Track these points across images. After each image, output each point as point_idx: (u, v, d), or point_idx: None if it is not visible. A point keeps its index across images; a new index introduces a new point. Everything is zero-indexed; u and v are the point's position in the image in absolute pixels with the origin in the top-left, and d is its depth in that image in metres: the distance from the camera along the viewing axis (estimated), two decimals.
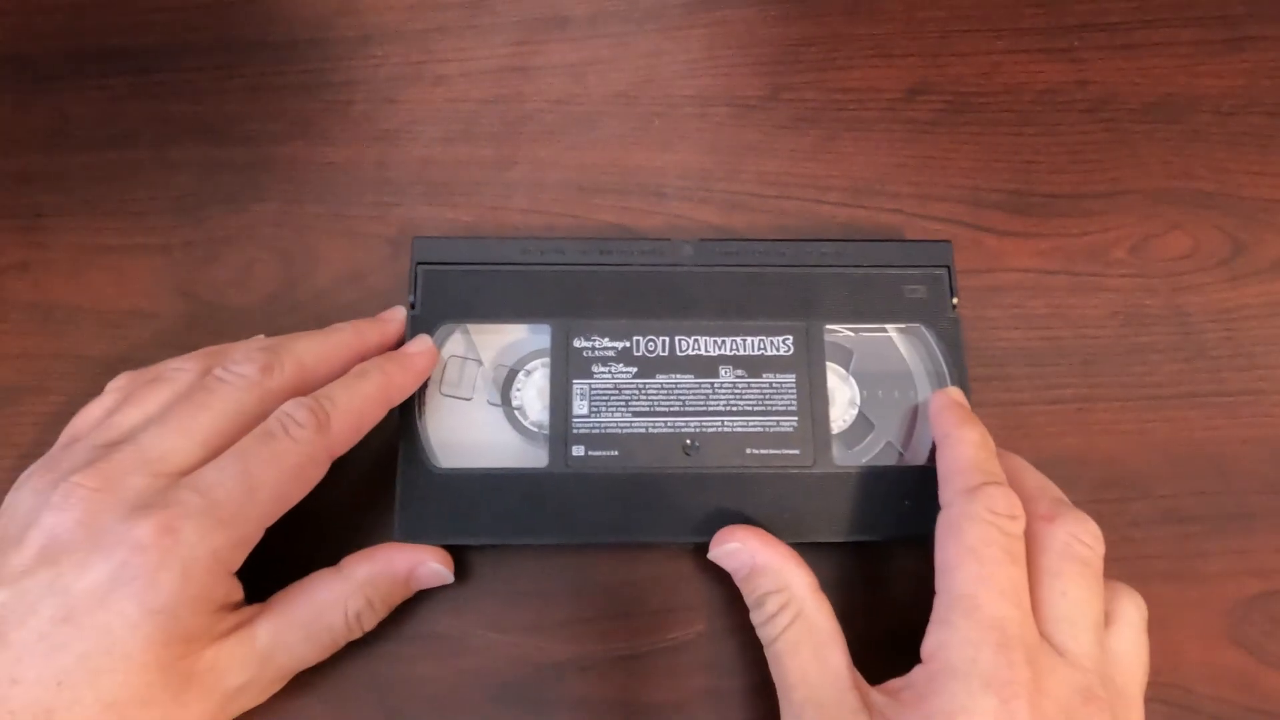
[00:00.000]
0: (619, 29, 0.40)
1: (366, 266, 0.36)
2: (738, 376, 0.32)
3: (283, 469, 0.27)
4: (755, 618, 0.28)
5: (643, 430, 0.31)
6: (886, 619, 0.32)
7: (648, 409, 0.31)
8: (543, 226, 0.37)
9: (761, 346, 0.32)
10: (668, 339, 0.32)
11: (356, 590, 0.28)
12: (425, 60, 0.40)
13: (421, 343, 0.31)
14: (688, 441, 0.31)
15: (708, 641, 0.31)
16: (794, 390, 0.32)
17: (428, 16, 0.40)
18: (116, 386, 0.30)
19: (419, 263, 0.33)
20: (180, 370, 0.29)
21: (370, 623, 0.29)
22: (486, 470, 0.31)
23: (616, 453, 0.31)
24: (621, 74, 0.40)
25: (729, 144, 0.39)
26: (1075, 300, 0.36)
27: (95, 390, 0.33)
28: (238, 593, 0.27)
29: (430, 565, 0.30)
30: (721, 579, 0.32)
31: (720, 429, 0.31)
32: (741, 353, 0.32)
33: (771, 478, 0.31)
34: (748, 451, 0.31)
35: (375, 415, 0.29)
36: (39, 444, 0.33)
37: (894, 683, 0.26)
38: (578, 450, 0.31)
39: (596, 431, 0.31)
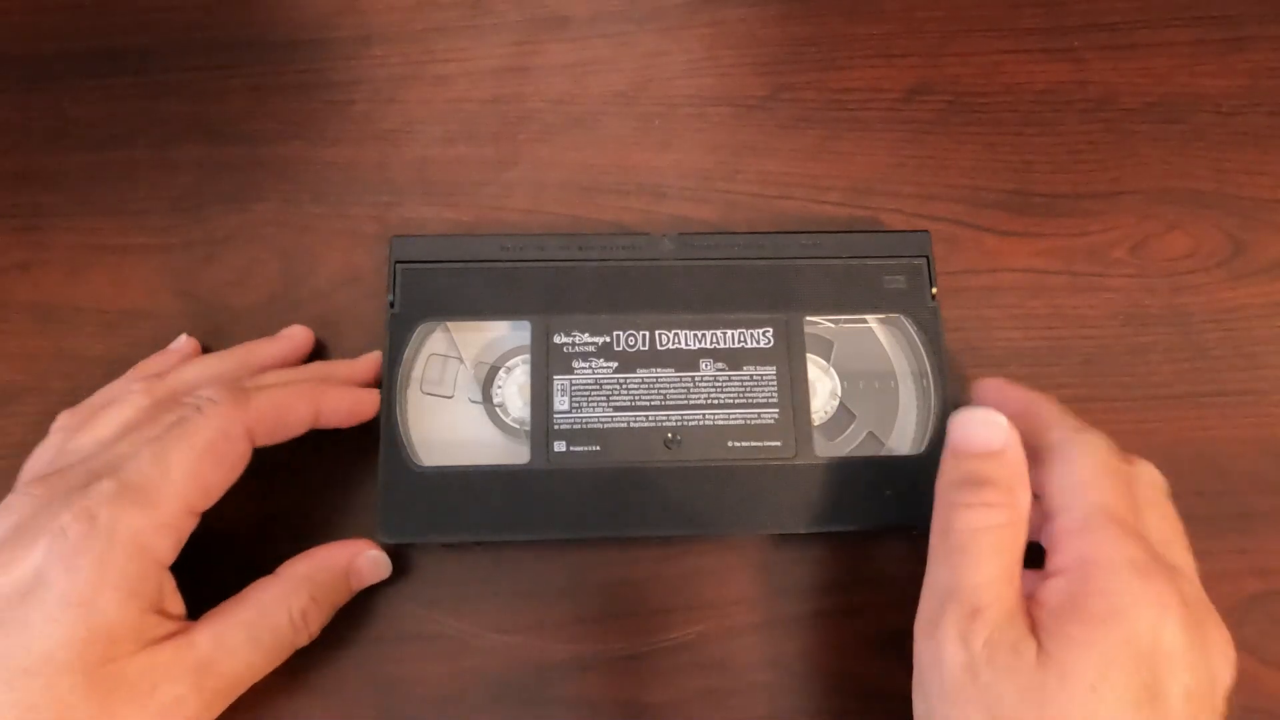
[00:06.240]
0: (619, 29, 0.40)
1: (366, 266, 0.36)
2: (718, 370, 0.32)
3: (195, 444, 0.26)
4: (958, 495, 0.26)
5: (624, 425, 0.31)
6: (886, 619, 0.32)
7: (629, 403, 0.31)
8: (543, 226, 0.37)
9: (742, 339, 0.32)
10: (648, 333, 0.32)
11: (297, 587, 0.28)
12: (425, 60, 0.40)
13: (370, 393, 0.31)
14: (669, 435, 0.31)
15: (708, 641, 0.31)
16: (775, 382, 0.32)
17: (428, 16, 0.40)
18: (60, 425, 0.30)
19: (398, 261, 0.33)
20: (132, 393, 0.29)
21: (316, 622, 0.29)
22: (468, 468, 0.31)
23: (598, 448, 0.31)
24: (621, 74, 0.40)
25: (729, 144, 0.39)
26: (1075, 300, 0.36)
27: (95, 390, 0.33)
28: (176, 603, 0.26)
29: (369, 554, 0.30)
30: (721, 579, 0.32)
31: (701, 422, 0.31)
32: (722, 346, 0.32)
33: (753, 470, 0.31)
34: (729, 444, 0.31)
35: (300, 414, 0.29)
36: (39, 444, 0.33)
37: (1037, 595, 0.25)
38: (559, 446, 0.31)
39: (578, 427, 0.31)
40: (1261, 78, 0.40)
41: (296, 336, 0.33)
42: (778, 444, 0.31)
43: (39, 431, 0.33)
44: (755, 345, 0.32)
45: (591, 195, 0.37)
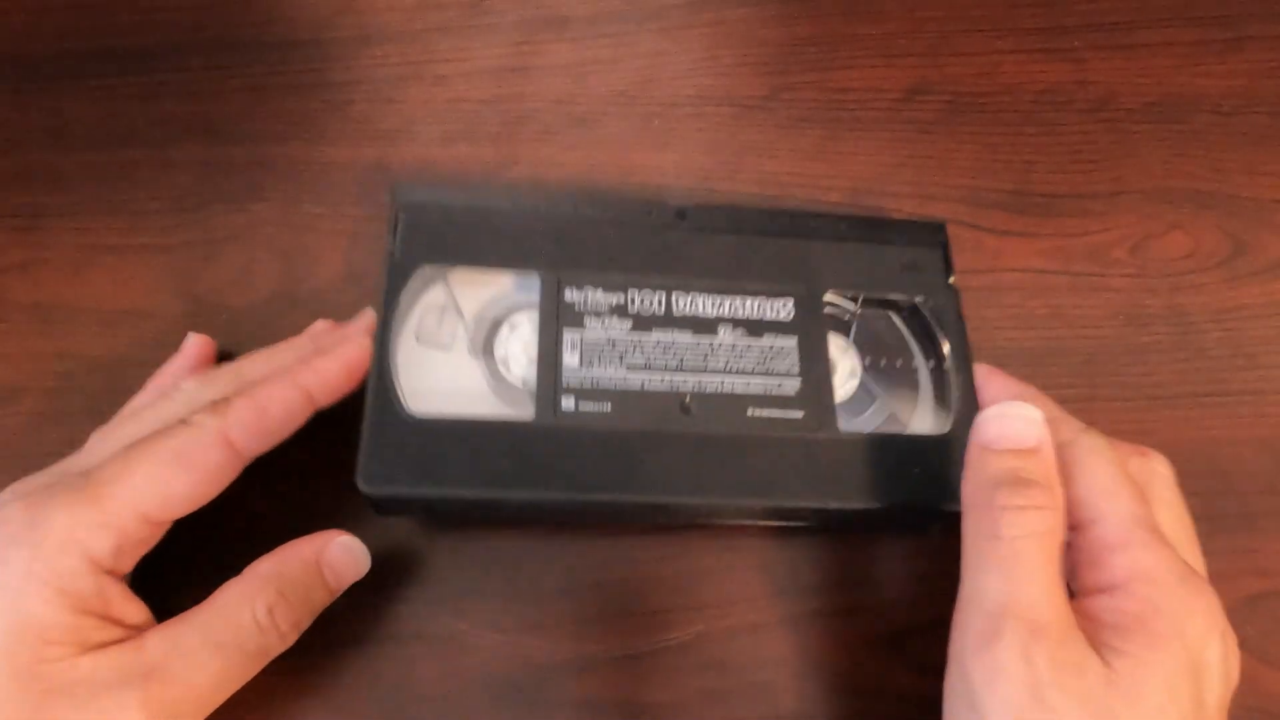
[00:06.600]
0: (619, 29, 0.40)
1: (366, 266, 0.36)
2: (737, 336, 0.31)
3: (163, 450, 0.25)
4: (1004, 496, 0.25)
5: (638, 386, 0.29)
6: (886, 619, 0.32)
7: (643, 364, 0.30)
8: None
9: (761, 310, 0.31)
10: (664, 294, 0.31)
11: (263, 584, 0.26)
12: (425, 60, 0.40)
13: (356, 339, 0.29)
14: (686, 400, 0.30)
15: (708, 641, 0.31)
16: (796, 353, 0.31)
17: (428, 16, 0.40)
18: (90, 446, 0.30)
19: (401, 208, 0.31)
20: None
21: (287, 621, 0.26)
22: (466, 419, 0.28)
23: (609, 407, 0.29)
24: (621, 74, 0.40)
25: (729, 144, 0.39)
26: (1075, 300, 0.36)
27: (95, 390, 0.33)
28: (131, 612, 0.25)
29: (339, 540, 0.28)
30: (721, 579, 0.32)
31: (720, 388, 0.30)
32: (741, 315, 0.31)
33: (774, 441, 0.29)
34: (749, 413, 0.30)
35: (287, 403, 0.27)
36: (39, 444, 0.33)
37: (1085, 611, 0.25)
38: (567, 403, 0.29)
39: (588, 385, 0.29)
40: (1261, 78, 0.40)
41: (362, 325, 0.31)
42: (799, 415, 0.30)
43: (39, 431, 0.33)
44: (775, 316, 0.31)
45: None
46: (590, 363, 0.29)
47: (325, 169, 0.38)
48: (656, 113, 0.39)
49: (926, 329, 0.33)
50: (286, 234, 0.36)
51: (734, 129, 0.39)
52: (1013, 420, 0.26)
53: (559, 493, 0.27)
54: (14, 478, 0.31)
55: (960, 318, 0.32)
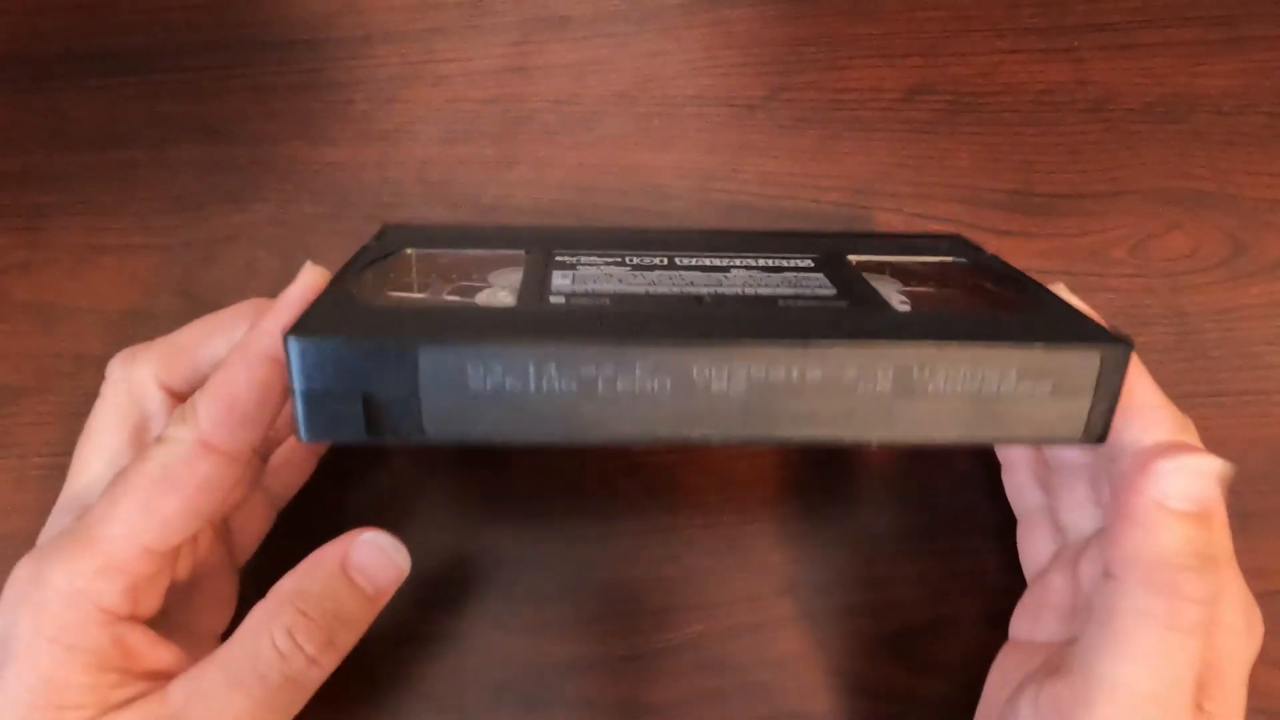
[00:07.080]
0: (619, 29, 0.40)
1: None
2: (753, 273, 0.27)
3: (145, 477, 0.22)
4: (1189, 585, 0.21)
5: (642, 292, 0.25)
6: (886, 619, 0.32)
7: (647, 283, 0.26)
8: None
9: (778, 263, 0.29)
10: (666, 257, 0.29)
11: (281, 604, 0.23)
12: (425, 60, 0.40)
13: (306, 272, 0.24)
14: (702, 300, 0.25)
15: (708, 641, 0.31)
16: (824, 278, 0.27)
17: (428, 16, 0.40)
18: None
19: (385, 229, 0.30)
20: None
21: (314, 642, 0.23)
22: (434, 304, 0.25)
23: (607, 302, 0.24)
24: (621, 74, 0.40)
25: (729, 144, 0.39)
26: None
27: (95, 390, 0.33)
28: (157, 657, 0.23)
29: (363, 538, 0.25)
30: (721, 579, 0.32)
31: (742, 292, 0.26)
32: (755, 265, 0.28)
33: (810, 311, 0.24)
34: (780, 305, 0.25)
35: (254, 382, 0.23)
36: (39, 444, 0.33)
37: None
38: (556, 300, 0.24)
39: (581, 291, 0.25)
40: (1261, 78, 0.40)
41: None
42: (844, 304, 0.25)
43: (39, 432, 0.33)
44: (794, 265, 0.29)
45: (591, 195, 0.37)
46: (584, 282, 0.26)
47: (325, 169, 0.38)
48: (656, 113, 0.39)
49: (969, 280, 0.30)
50: (286, 234, 0.36)
51: (734, 129, 0.39)
52: (1199, 478, 0.22)
53: (547, 339, 0.21)
54: (14, 477, 0.31)
55: (1018, 269, 0.29)
